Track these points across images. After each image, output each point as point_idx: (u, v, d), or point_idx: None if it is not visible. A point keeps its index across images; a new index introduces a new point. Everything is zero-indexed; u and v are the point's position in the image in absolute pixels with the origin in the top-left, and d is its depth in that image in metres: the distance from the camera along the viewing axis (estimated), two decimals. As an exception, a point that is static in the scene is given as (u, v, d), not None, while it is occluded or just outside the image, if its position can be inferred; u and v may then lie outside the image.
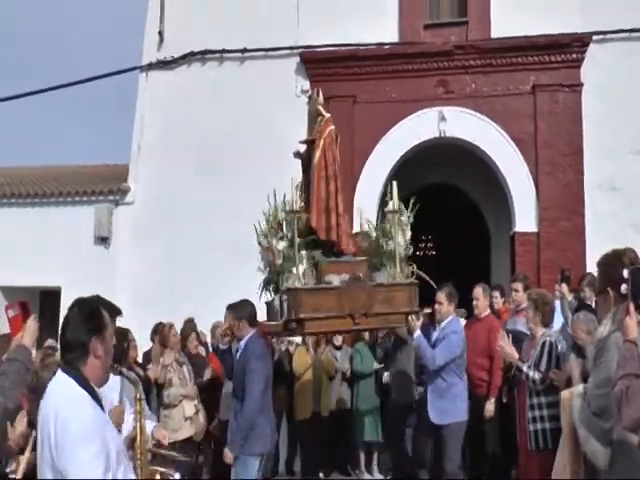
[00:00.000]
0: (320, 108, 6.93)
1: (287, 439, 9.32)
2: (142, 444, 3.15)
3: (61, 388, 2.92)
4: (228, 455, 6.18)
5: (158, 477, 3.32)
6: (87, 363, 2.96)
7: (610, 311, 3.72)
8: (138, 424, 3.18)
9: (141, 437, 3.16)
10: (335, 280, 6.41)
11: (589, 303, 7.72)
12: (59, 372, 2.99)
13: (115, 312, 3.65)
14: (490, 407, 7.20)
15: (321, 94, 7.05)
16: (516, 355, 5.89)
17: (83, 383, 2.92)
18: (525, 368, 5.71)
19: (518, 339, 6.46)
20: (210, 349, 9.07)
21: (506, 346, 5.97)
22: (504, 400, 7.21)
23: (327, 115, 6.89)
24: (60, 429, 2.79)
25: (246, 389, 6.12)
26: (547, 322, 5.91)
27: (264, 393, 6.21)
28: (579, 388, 4.26)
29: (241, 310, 6.46)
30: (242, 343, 6.38)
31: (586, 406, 3.85)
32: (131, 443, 3.21)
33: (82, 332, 2.96)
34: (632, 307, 3.29)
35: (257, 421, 6.11)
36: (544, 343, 5.75)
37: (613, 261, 3.74)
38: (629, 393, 2.96)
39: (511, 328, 7.07)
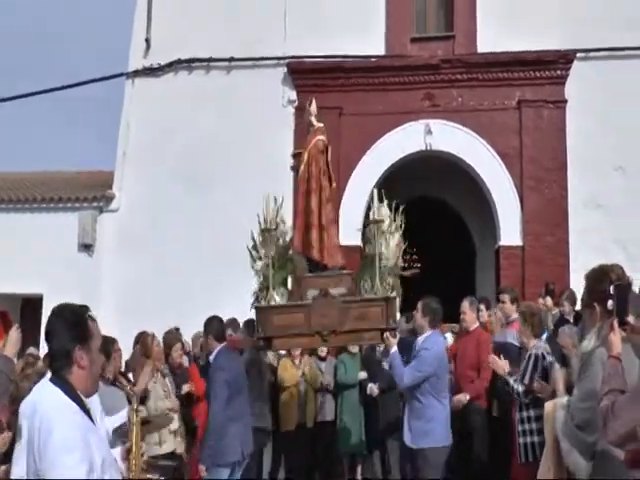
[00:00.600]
0: (311, 119, 6.83)
1: (271, 450, 9.27)
2: (137, 455, 3.14)
3: (47, 397, 2.89)
4: (202, 469, 6.20)
5: None
6: (72, 372, 2.90)
7: (595, 326, 3.73)
8: (134, 435, 3.16)
9: (136, 448, 3.14)
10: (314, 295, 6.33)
11: (568, 318, 7.82)
12: (46, 381, 2.96)
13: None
14: (462, 398, 7.12)
15: (314, 104, 6.93)
16: (507, 368, 5.91)
17: (69, 392, 2.87)
18: (512, 381, 5.74)
19: (508, 351, 6.47)
20: (192, 360, 9.02)
21: (497, 359, 6.00)
22: (494, 414, 7.16)
23: (317, 125, 6.78)
24: (44, 437, 2.76)
25: (210, 401, 6.25)
26: (538, 333, 5.93)
27: (232, 401, 6.22)
28: (563, 400, 4.27)
29: (208, 326, 6.62)
30: (211, 358, 6.52)
31: (569, 419, 3.85)
32: (126, 454, 3.17)
33: (66, 341, 2.90)
34: (616, 323, 3.32)
35: (227, 430, 6.13)
36: (530, 355, 5.79)
37: (600, 276, 3.73)
38: (615, 409, 2.97)
39: (501, 340, 7.09)
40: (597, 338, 3.63)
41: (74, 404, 2.87)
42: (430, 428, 6.13)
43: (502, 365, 5.95)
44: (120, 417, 3.61)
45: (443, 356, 6.44)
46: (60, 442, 2.73)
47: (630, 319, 3.37)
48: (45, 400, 2.89)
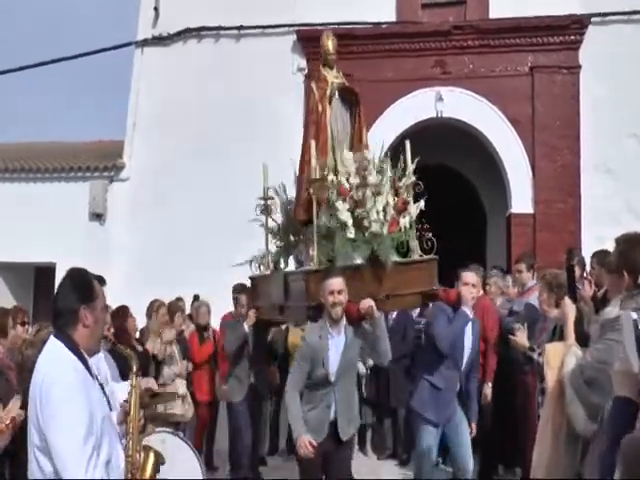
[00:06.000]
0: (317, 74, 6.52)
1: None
2: (135, 419, 3.12)
3: (51, 352, 2.99)
4: None
5: (152, 455, 3.26)
6: (77, 330, 3.02)
7: (621, 293, 3.63)
8: (133, 398, 3.15)
9: (135, 411, 3.13)
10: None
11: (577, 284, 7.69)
12: (51, 337, 3.05)
13: (99, 281, 3.76)
14: (487, 391, 7.21)
15: (331, 37, 6.48)
16: (527, 344, 5.88)
17: (72, 347, 2.97)
18: (535, 356, 5.72)
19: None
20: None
21: (519, 338, 5.92)
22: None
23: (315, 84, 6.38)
24: (46, 388, 2.84)
25: None
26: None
27: None
28: (576, 350, 4.14)
29: None
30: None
31: (579, 371, 3.79)
32: (125, 417, 3.17)
33: (72, 300, 3.03)
34: None
35: None
36: (555, 327, 5.75)
37: (634, 245, 3.62)
38: None
39: (516, 309, 7.07)
40: (622, 306, 3.55)
41: (76, 359, 2.95)
42: None
43: (523, 343, 5.90)
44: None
45: None
46: (62, 392, 2.82)
47: None
48: (49, 355, 2.99)
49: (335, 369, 5.23)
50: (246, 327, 7.37)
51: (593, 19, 11.27)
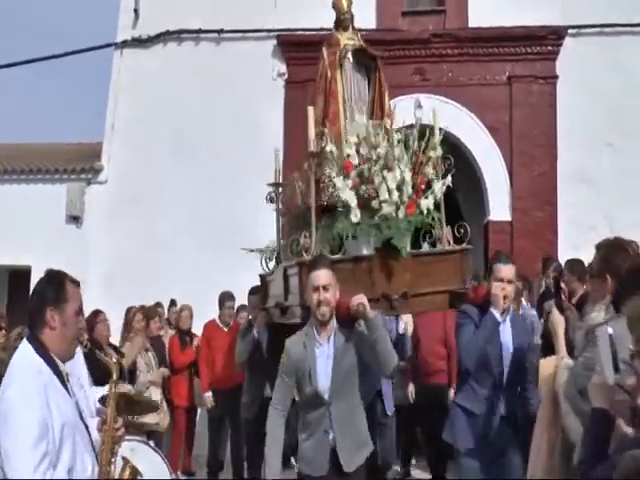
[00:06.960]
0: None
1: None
2: (110, 429, 3.06)
3: (19, 353, 2.97)
4: None
5: (128, 470, 3.20)
6: (44, 332, 2.97)
7: (605, 298, 3.63)
8: (110, 408, 3.08)
9: (110, 421, 3.07)
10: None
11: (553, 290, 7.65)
12: (24, 340, 3.03)
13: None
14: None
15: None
16: None
17: (40, 350, 2.93)
18: None
19: None
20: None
21: None
22: None
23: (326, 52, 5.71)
24: (4, 387, 2.83)
25: None
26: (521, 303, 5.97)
27: None
28: (568, 361, 4.18)
29: None
30: None
31: (572, 382, 3.81)
32: (101, 425, 3.10)
33: (40, 300, 2.99)
34: None
35: None
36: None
37: (617, 249, 3.62)
38: None
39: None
40: (607, 311, 3.55)
41: (43, 362, 2.90)
42: None
43: None
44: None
45: None
46: (17, 394, 2.78)
47: None
48: (17, 356, 2.96)
49: (327, 385, 4.31)
50: (255, 333, 6.52)
51: (570, 30, 11.44)
